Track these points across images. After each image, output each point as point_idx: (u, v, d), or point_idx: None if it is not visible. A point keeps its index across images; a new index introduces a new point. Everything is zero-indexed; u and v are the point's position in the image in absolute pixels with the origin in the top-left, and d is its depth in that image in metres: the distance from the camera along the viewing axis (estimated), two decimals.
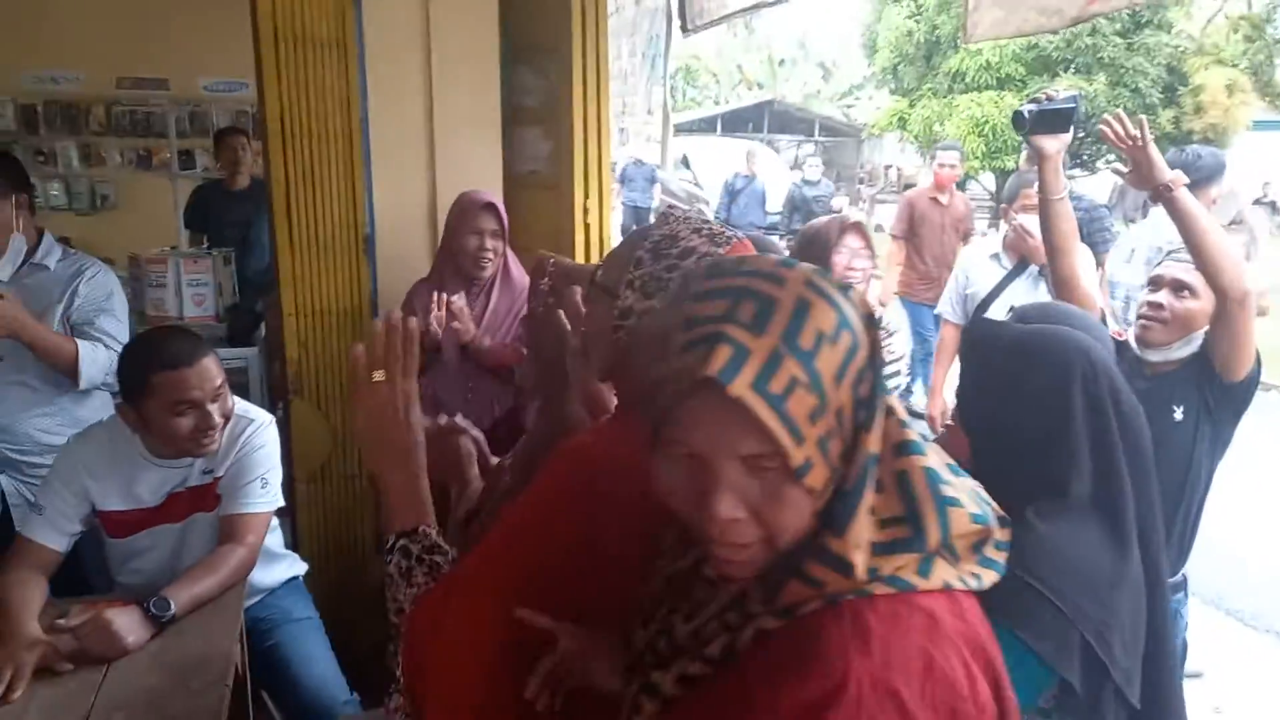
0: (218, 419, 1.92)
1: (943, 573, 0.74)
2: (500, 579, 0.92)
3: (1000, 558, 0.78)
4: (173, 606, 1.74)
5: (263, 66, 2.65)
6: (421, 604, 0.99)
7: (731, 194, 10.02)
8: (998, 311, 2.83)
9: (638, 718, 0.77)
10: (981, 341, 1.41)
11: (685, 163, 12.91)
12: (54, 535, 1.90)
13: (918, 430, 0.77)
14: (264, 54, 2.63)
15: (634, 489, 0.81)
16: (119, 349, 2.31)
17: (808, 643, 0.70)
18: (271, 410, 2.39)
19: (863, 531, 0.71)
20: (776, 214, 10.73)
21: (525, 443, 1.46)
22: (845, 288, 0.73)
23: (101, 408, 2.45)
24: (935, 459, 0.76)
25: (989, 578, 0.77)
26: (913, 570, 0.72)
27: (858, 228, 2.40)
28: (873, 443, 0.72)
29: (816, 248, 2.33)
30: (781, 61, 28.52)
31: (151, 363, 1.85)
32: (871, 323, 0.73)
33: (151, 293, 3.13)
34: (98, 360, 2.33)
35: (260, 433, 2.06)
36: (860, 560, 0.70)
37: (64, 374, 2.30)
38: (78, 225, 5.45)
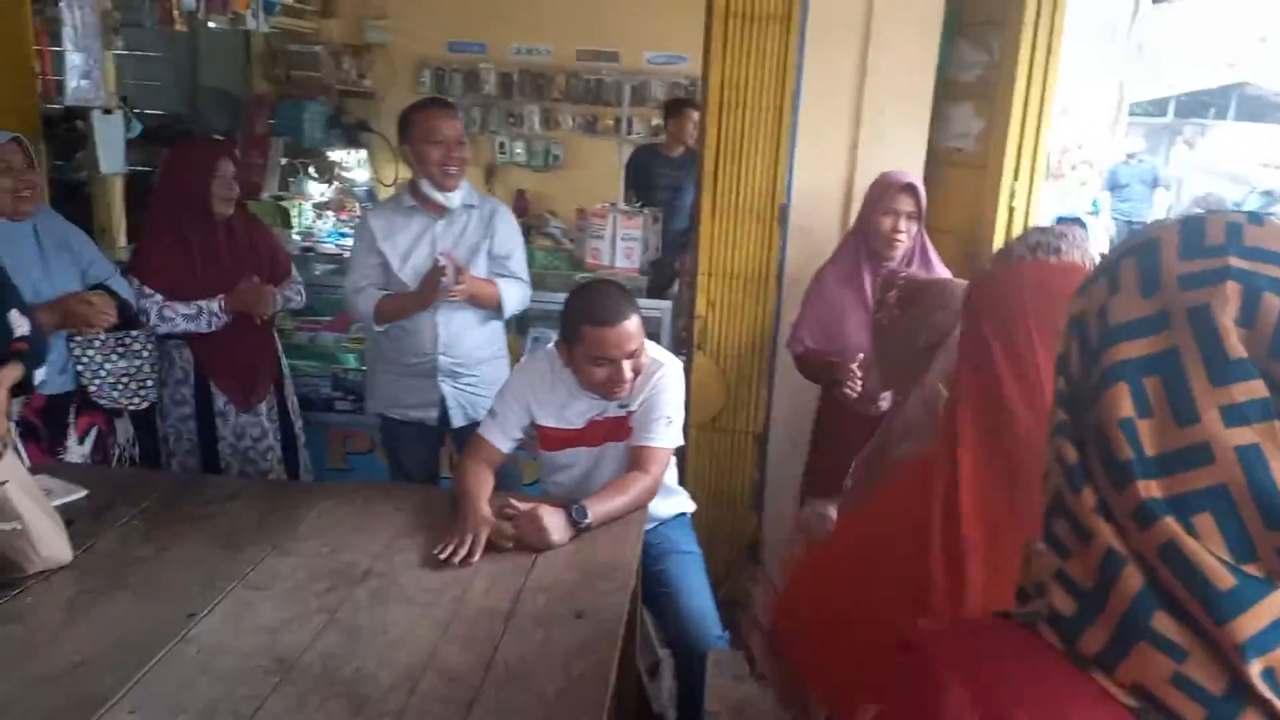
0: (628, 375, 2.13)
1: None
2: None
3: None
4: (589, 515, 1.98)
5: (711, 40, 2.84)
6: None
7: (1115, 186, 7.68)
8: None
9: None
10: None
11: None
12: (501, 438, 2.25)
13: None
14: (714, 28, 2.81)
15: None
16: (528, 279, 2.80)
17: None
18: None
19: None
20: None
21: (871, 445, 1.50)
22: None
23: (502, 328, 2.87)
24: None
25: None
26: None
27: None
28: None
29: None
30: (1264, 38, 24.12)
31: (584, 315, 2.10)
32: None
33: (591, 242, 3.54)
34: (515, 296, 2.73)
35: (669, 375, 2.24)
36: None
37: (490, 310, 2.72)
38: (533, 179, 6.29)
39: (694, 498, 2.55)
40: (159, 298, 2.73)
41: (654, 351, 2.28)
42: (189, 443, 2.90)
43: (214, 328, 2.78)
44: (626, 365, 2.12)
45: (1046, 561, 0.59)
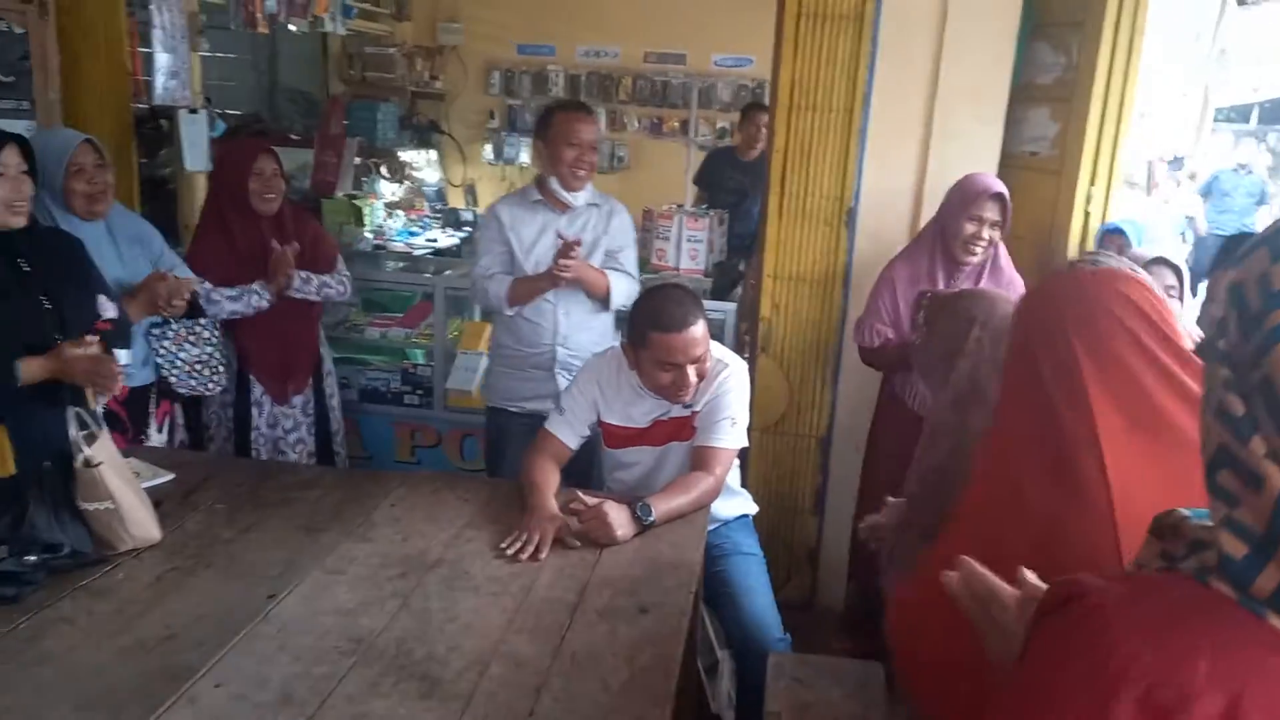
0: (692, 379, 2.14)
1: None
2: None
3: None
4: (653, 513, 2.00)
5: (782, 40, 2.84)
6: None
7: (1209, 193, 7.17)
8: None
9: None
10: None
11: None
12: (569, 433, 2.28)
13: None
14: (785, 28, 2.81)
15: None
16: (637, 276, 2.85)
17: None
18: None
19: None
20: None
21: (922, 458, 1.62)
22: None
23: (612, 322, 2.92)
24: None
25: None
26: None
27: None
28: None
29: None
30: None
31: (651, 320, 2.12)
32: None
33: (656, 243, 3.56)
34: (623, 289, 2.79)
35: (734, 376, 2.25)
36: None
37: (599, 301, 2.78)
38: (598, 181, 6.28)
39: (755, 500, 2.55)
40: (207, 284, 2.81)
41: (719, 352, 2.29)
42: (225, 429, 3.00)
43: (256, 309, 2.87)
44: (691, 370, 2.13)
45: (1200, 524, 0.64)
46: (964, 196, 2.53)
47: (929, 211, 2.87)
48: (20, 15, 2.95)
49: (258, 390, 2.98)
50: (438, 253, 4.88)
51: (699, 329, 2.12)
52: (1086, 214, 2.71)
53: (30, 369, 1.99)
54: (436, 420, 3.58)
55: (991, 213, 2.49)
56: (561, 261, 2.60)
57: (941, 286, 2.58)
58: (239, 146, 3.19)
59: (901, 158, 2.89)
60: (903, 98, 2.83)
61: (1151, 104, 2.69)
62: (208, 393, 2.79)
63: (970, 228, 2.50)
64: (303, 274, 2.95)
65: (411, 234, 5.26)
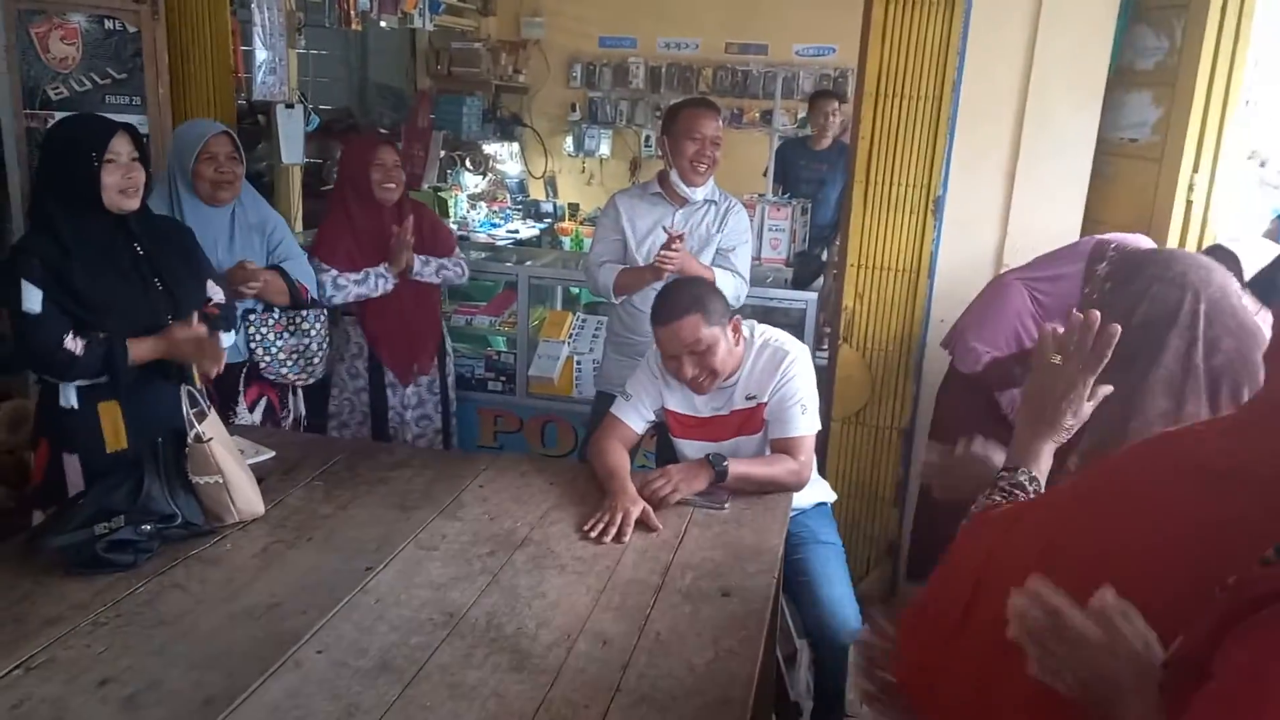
0: (689, 371, 2.16)
1: None
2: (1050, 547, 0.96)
3: None
4: (726, 461, 2.07)
5: (870, 27, 2.81)
6: (981, 517, 1.14)
7: None
8: None
9: None
10: None
11: None
12: (635, 419, 2.31)
13: None
14: (873, 14, 2.78)
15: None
16: (747, 278, 2.90)
17: None
18: (814, 351, 2.62)
19: None
20: None
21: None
22: None
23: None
24: None
25: None
26: None
27: None
28: None
29: None
30: None
31: (652, 313, 2.20)
32: None
33: None
34: (730, 288, 2.79)
35: (796, 363, 2.25)
36: None
37: None
38: None
39: (835, 490, 2.54)
40: (334, 272, 2.95)
41: (779, 339, 2.29)
42: (361, 414, 3.11)
43: (381, 290, 3.00)
44: (688, 362, 2.15)
45: None
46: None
47: (1020, 200, 2.81)
48: (133, 15, 3.11)
49: (390, 374, 3.11)
50: (519, 243, 4.97)
51: (688, 323, 2.12)
52: (1189, 202, 2.61)
53: (140, 349, 2.10)
54: (518, 407, 3.65)
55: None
56: (664, 254, 2.63)
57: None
58: (360, 141, 3.37)
59: (991, 144, 2.82)
60: (992, 84, 2.77)
61: (1257, 90, 2.57)
62: (300, 383, 2.91)
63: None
64: (421, 257, 3.08)
65: (494, 225, 5.36)
